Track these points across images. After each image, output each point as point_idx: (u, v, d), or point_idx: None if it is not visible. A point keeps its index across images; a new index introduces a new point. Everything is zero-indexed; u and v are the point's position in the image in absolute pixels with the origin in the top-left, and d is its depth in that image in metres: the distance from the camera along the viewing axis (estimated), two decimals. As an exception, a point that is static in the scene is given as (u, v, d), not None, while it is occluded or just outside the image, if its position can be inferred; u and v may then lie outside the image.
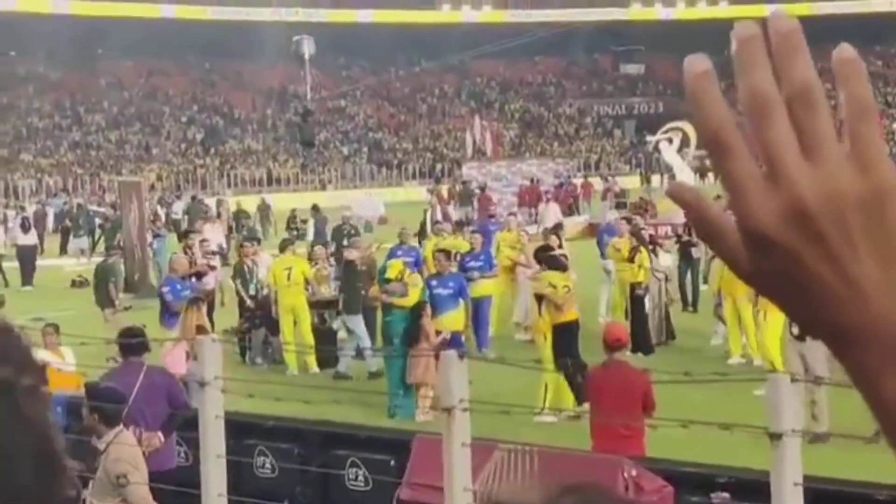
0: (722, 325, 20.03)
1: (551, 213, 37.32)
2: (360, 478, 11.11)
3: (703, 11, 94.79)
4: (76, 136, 79.29)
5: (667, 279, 22.06)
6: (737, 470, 9.42)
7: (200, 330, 16.32)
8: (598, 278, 23.12)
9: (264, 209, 49.30)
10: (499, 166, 54.38)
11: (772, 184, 0.89)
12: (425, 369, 15.82)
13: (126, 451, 9.03)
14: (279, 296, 20.41)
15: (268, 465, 11.66)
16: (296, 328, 20.46)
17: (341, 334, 21.44)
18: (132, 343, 11.11)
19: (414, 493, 10.09)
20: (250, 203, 49.76)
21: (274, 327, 20.69)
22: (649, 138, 57.77)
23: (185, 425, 10.80)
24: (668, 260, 23.15)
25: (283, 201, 50.94)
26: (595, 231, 31.15)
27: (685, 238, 24.35)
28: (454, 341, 17.02)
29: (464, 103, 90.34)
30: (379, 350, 18.97)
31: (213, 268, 23.60)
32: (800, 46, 0.91)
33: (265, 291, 21.26)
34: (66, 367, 14.15)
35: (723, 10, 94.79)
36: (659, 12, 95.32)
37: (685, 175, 47.30)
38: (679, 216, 29.66)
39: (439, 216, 35.25)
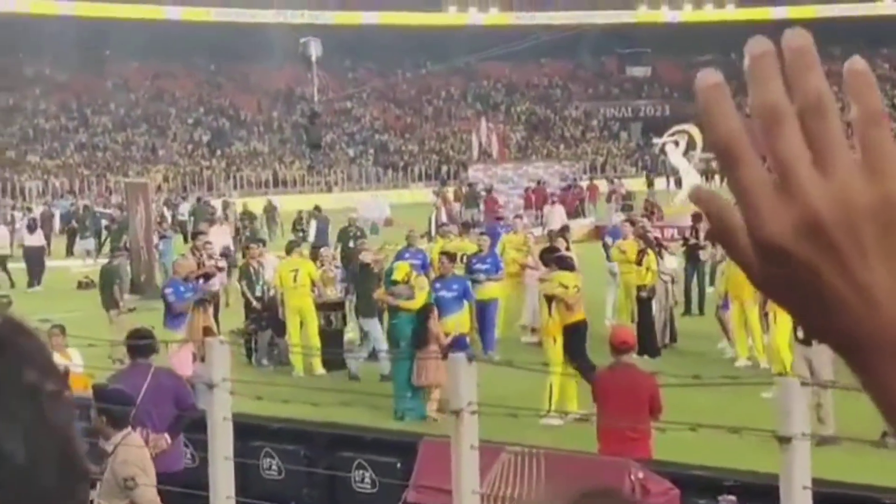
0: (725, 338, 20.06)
1: (556, 215, 37.32)
2: (367, 480, 11.11)
3: (709, 14, 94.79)
4: (83, 138, 79.37)
5: (673, 282, 22.05)
6: (743, 473, 9.42)
7: (207, 331, 16.33)
8: (603, 281, 23.10)
9: (270, 211, 49.33)
10: (505, 168, 54.36)
11: (783, 194, 0.90)
12: (434, 371, 15.81)
13: (134, 453, 9.03)
14: (286, 297, 20.41)
15: (274, 467, 11.68)
16: (302, 330, 20.48)
17: (349, 336, 21.46)
18: (140, 345, 11.12)
19: (421, 496, 10.09)
20: (256, 205, 49.79)
21: (280, 329, 20.70)
22: (655, 141, 57.69)
23: (191, 427, 10.81)
24: (673, 262, 23.14)
25: (289, 203, 50.95)
26: (601, 233, 31.14)
27: (692, 241, 24.35)
28: (459, 343, 17.05)
29: (470, 105, 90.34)
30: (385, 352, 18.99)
31: (220, 269, 23.62)
32: (813, 62, 0.92)
33: (271, 293, 21.28)
34: (74, 368, 14.16)
35: (729, 13, 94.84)
36: (665, 15, 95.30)
37: (691, 177, 47.19)
38: (685, 219, 29.69)
39: (444, 218, 35.24)
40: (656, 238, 24.30)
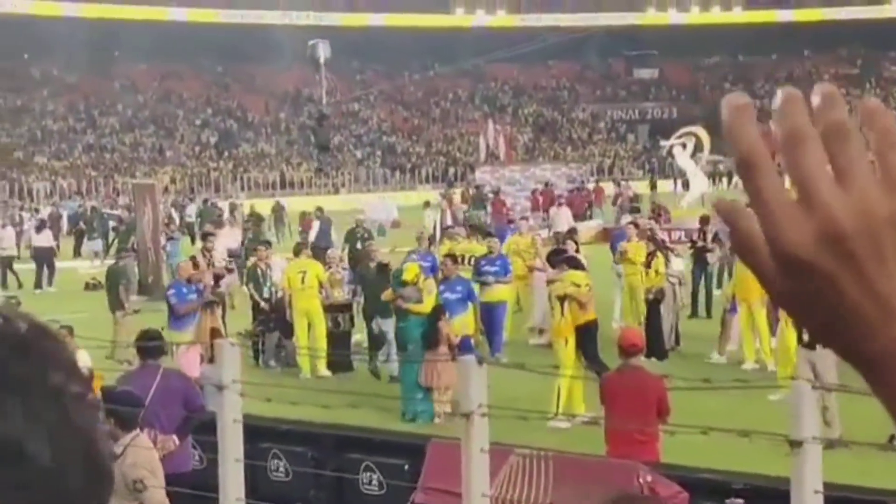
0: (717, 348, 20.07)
1: (563, 217, 37.30)
2: (375, 482, 11.11)
3: (716, 16, 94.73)
4: (90, 139, 79.48)
5: (680, 284, 22.04)
6: (752, 476, 9.41)
7: (215, 333, 16.38)
8: (611, 283, 23.10)
9: (279, 212, 49.34)
10: (512, 170, 54.39)
11: (804, 206, 0.92)
12: (445, 373, 15.80)
13: (142, 454, 9.04)
14: (293, 299, 20.42)
15: (282, 469, 11.68)
16: (310, 332, 20.48)
17: (356, 338, 21.47)
18: (150, 346, 11.13)
19: (428, 498, 10.09)
20: (263, 206, 49.77)
21: (287, 330, 20.71)
22: (663, 143, 57.72)
23: (199, 428, 10.82)
24: (680, 265, 23.14)
25: (296, 205, 50.93)
26: (608, 236, 31.15)
27: (699, 243, 24.33)
28: (463, 345, 17.08)
29: (477, 107, 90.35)
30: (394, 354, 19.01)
31: (230, 271, 23.66)
32: (839, 101, 0.94)
33: (279, 295, 21.30)
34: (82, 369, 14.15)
35: (736, 16, 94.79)
36: (672, 17, 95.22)
37: (699, 180, 47.21)
38: (692, 221, 29.69)
39: (449, 220, 35.23)
40: (662, 240, 24.30)
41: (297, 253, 21.80)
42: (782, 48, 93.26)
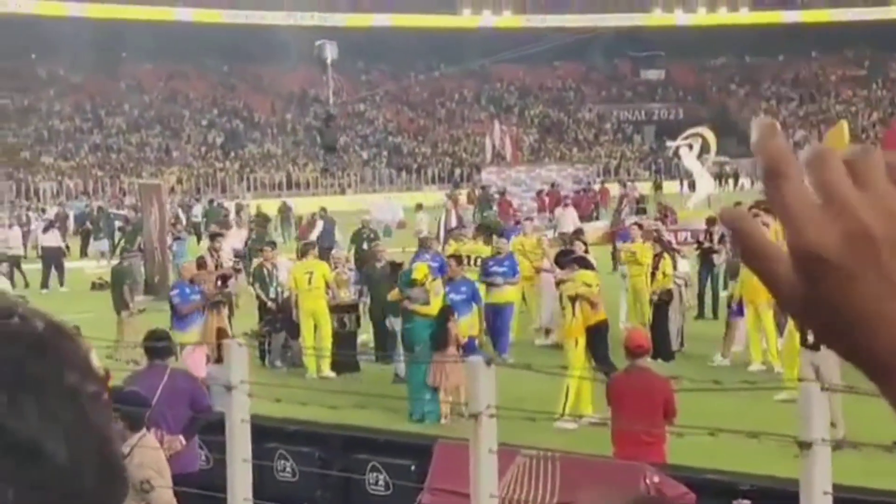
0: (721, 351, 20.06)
1: (568, 218, 37.28)
2: (381, 482, 11.11)
3: (723, 17, 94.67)
4: (97, 139, 79.57)
5: (686, 285, 22.02)
6: (759, 478, 9.40)
7: (221, 333, 16.39)
8: (618, 284, 23.10)
9: (285, 212, 49.37)
10: (518, 171, 54.37)
11: (829, 209, 0.94)
12: (454, 373, 15.79)
13: (150, 455, 9.05)
14: (300, 300, 20.43)
15: (288, 469, 11.68)
16: (316, 333, 20.49)
17: (362, 338, 21.48)
18: (157, 346, 11.14)
19: (435, 499, 10.09)
20: (269, 207, 49.82)
21: (294, 331, 20.72)
22: (669, 144, 57.69)
23: (206, 428, 10.83)
24: (685, 266, 23.14)
25: (302, 205, 50.98)
26: (615, 236, 31.16)
27: (706, 244, 24.31)
28: (468, 346, 17.11)
29: (483, 108, 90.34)
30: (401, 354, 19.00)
31: (237, 271, 23.67)
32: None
33: (285, 295, 21.33)
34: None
35: (743, 17, 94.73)
36: (679, 18, 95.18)
37: (705, 181, 47.19)
38: (699, 222, 29.66)
39: (454, 221, 35.19)
40: (668, 242, 24.29)
41: (304, 253, 21.78)
42: (789, 49, 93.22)
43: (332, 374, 19.59)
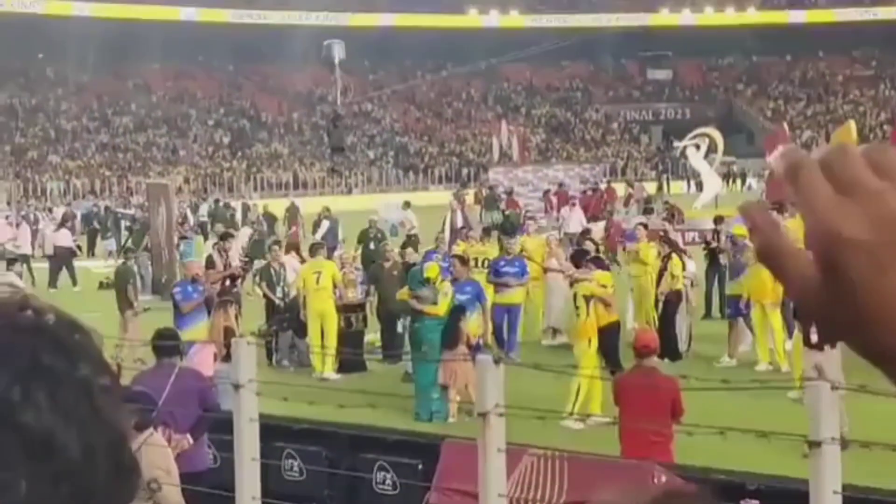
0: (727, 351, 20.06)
1: (575, 218, 37.27)
2: (388, 482, 11.11)
3: (730, 17, 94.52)
4: (104, 139, 79.65)
5: (692, 285, 22.00)
6: (766, 477, 9.39)
7: (228, 332, 16.39)
8: (625, 284, 23.07)
9: (293, 212, 49.38)
10: (525, 171, 54.40)
11: (857, 196, 0.94)
12: (465, 372, 15.78)
13: (157, 454, 9.04)
14: (308, 300, 20.43)
15: (295, 468, 11.68)
16: (322, 332, 20.49)
17: (369, 338, 21.48)
18: (166, 345, 11.15)
19: (443, 498, 10.09)
20: (276, 206, 49.80)
21: (301, 330, 20.73)
22: (676, 144, 57.62)
23: (213, 427, 10.83)
24: (691, 266, 23.12)
25: (309, 205, 50.98)
26: (622, 236, 31.11)
27: (713, 244, 24.28)
28: (475, 346, 17.11)
29: (490, 108, 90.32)
30: (408, 353, 18.99)
31: (246, 270, 23.70)
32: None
33: (291, 294, 21.36)
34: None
35: (751, 16, 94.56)
36: (686, 18, 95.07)
37: (712, 181, 47.13)
38: (706, 222, 29.64)
39: (460, 221, 35.19)
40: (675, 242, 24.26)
41: (312, 253, 21.78)
42: (796, 49, 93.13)
43: (336, 376, 19.50)
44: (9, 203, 61.55)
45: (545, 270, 22.84)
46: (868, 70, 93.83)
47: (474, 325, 17.94)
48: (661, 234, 23.30)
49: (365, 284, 22.20)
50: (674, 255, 21.11)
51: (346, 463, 11.45)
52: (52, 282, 34.36)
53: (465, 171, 76.64)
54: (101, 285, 32.13)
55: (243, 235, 32.29)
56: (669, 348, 19.71)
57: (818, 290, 0.95)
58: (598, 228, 36.03)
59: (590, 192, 48.27)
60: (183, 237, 33.11)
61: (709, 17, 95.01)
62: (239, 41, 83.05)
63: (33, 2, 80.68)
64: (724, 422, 8.12)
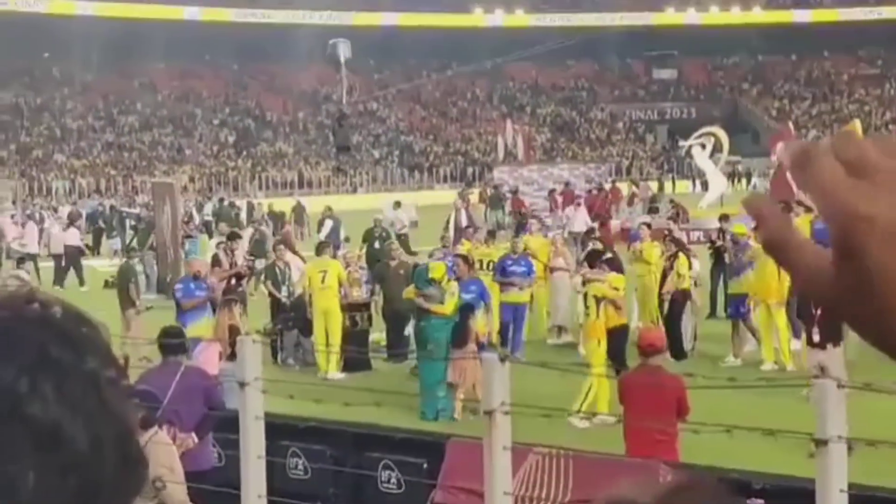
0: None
1: (580, 217, 37.26)
2: (393, 480, 11.12)
3: (735, 16, 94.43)
4: (109, 138, 79.70)
5: (695, 285, 21.98)
6: (772, 476, 9.39)
7: (233, 330, 16.41)
8: (629, 284, 23.04)
9: (299, 211, 49.41)
10: (530, 170, 54.36)
11: (864, 177, 0.92)
12: (475, 370, 15.78)
13: (162, 452, 9.04)
14: (313, 298, 20.45)
15: (300, 467, 11.68)
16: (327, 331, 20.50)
17: (374, 337, 21.49)
18: (172, 343, 11.15)
19: (448, 496, 10.09)
20: (282, 206, 49.84)
21: (306, 329, 20.74)
22: (682, 143, 57.61)
23: (219, 426, 10.83)
24: (696, 265, 23.11)
25: (314, 204, 51.04)
26: (627, 236, 31.11)
27: (718, 243, 24.25)
28: (479, 345, 17.13)
29: (495, 107, 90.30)
30: (413, 352, 18.99)
31: (251, 269, 23.72)
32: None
33: (296, 292, 21.37)
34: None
35: (756, 16, 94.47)
36: (692, 17, 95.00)
37: (717, 180, 47.10)
38: (711, 222, 29.61)
39: (464, 221, 35.23)
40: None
41: (319, 252, 21.80)
42: (802, 48, 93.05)
43: (340, 376, 19.52)
44: (14, 202, 61.60)
45: (551, 270, 22.84)
46: (873, 69, 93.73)
47: (480, 324, 17.96)
48: (666, 232, 23.28)
49: (370, 283, 22.21)
50: (681, 255, 21.08)
51: (352, 461, 11.45)
52: (58, 280, 34.42)
53: (470, 170, 76.60)
54: (107, 284, 32.14)
55: (245, 235, 32.29)
56: (675, 348, 19.72)
57: (831, 280, 0.93)
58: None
59: (595, 192, 48.23)
60: (188, 236, 33.11)
61: (714, 16, 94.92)
62: (243, 40, 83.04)
63: (37, 1, 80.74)
64: (730, 421, 8.11)
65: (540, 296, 22.93)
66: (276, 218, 44.47)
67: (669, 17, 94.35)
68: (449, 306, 17.56)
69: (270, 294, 22.01)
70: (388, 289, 21.14)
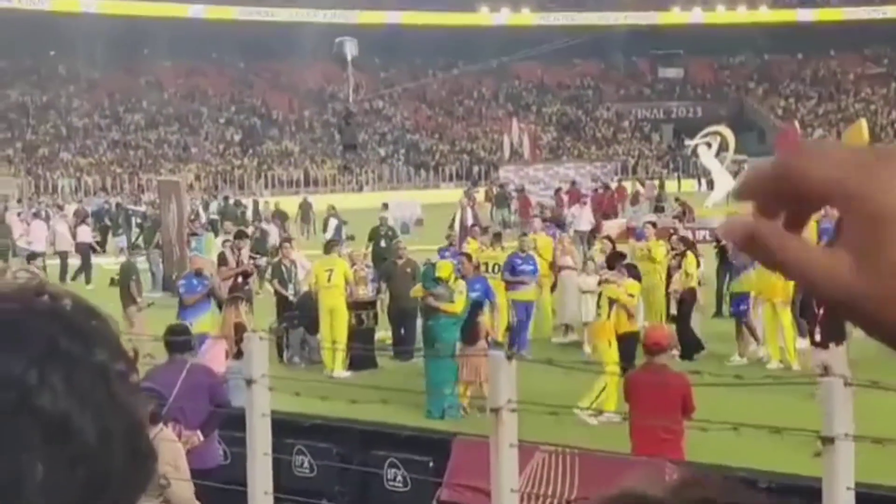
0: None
1: (585, 217, 37.25)
2: (399, 478, 11.12)
3: (742, 15, 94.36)
4: (115, 136, 79.76)
5: (699, 284, 21.96)
6: (778, 475, 9.38)
7: (239, 328, 16.41)
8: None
9: (306, 209, 49.42)
10: (536, 169, 54.38)
11: (831, 198, 0.89)
12: (483, 368, 15.78)
13: (166, 449, 9.04)
14: (320, 296, 20.46)
15: (306, 465, 11.69)
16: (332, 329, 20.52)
17: (380, 335, 21.50)
18: (177, 340, 11.15)
19: (454, 494, 10.09)
20: (287, 204, 49.84)
21: (312, 327, 20.75)
22: (687, 142, 57.55)
23: (225, 424, 10.83)
24: (701, 265, 23.10)
25: (320, 203, 51.09)
26: (632, 234, 31.10)
27: (724, 242, 24.23)
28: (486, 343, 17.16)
29: (501, 106, 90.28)
30: (419, 350, 18.98)
31: (257, 267, 23.73)
32: None
33: (302, 290, 21.39)
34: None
35: (762, 14, 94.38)
36: (698, 16, 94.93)
37: (723, 179, 47.02)
38: (717, 221, 29.59)
39: (470, 219, 35.24)
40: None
41: (327, 251, 21.79)
42: (808, 47, 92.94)
43: (346, 374, 19.51)
44: (20, 200, 61.67)
45: (559, 269, 22.84)
46: (879, 68, 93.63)
47: (486, 322, 17.98)
48: (671, 231, 23.27)
49: (376, 282, 22.22)
50: (689, 253, 21.07)
51: (358, 459, 11.46)
52: (65, 276, 34.52)
53: (475, 168, 76.59)
54: (112, 282, 32.15)
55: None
56: (690, 345, 19.76)
57: (851, 283, 0.88)
58: (608, 226, 36.08)
59: (601, 191, 48.24)
60: (193, 234, 33.12)
61: (720, 15, 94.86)
62: (249, 38, 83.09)
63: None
64: (736, 419, 8.10)
65: (544, 294, 22.94)
66: (281, 216, 44.48)
67: (675, 15, 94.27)
68: (458, 304, 17.57)
69: (276, 292, 22.03)
70: (394, 287, 21.14)
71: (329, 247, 22.11)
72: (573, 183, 49.35)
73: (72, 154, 76.31)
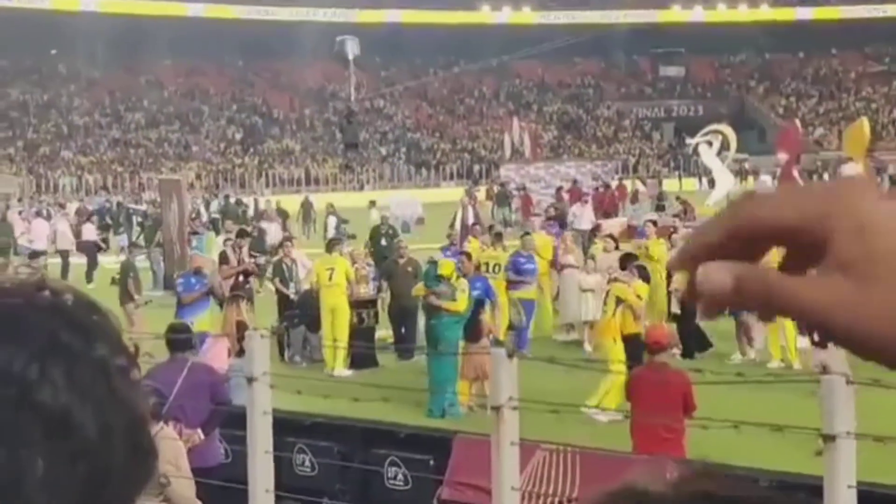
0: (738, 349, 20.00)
1: (586, 215, 37.22)
2: (400, 477, 11.12)
3: (743, 14, 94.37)
4: (116, 135, 79.78)
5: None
6: (778, 474, 9.38)
7: (241, 326, 16.42)
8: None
9: (307, 208, 49.41)
10: (537, 168, 54.32)
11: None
12: (486, 365, 15.77)
13: (167, 447, 9.03)
14: (320, 295, 20.46)
15: (307, 463, 11.69)
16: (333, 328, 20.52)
17: (380, 334, 21.50)
18: (179, 339, 11.15)
19: (455, 493, 10.09)
20: (288, 203, 49.84)
21: (313, 325, 20.74)
22: (689, 141, 57.58)
23: (226, 422, 10.83)
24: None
25: (321, 201, 51.11)
26: (633, 233, 31.08)
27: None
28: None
29: (502, 104, 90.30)
30: (420, 348, 18.98)
31: (259, 266, 23.73)
32: None
33: (303, 289, 21.39)
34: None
35: (763, 13, 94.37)
36: (699, 14, 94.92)
37: (724, 178, 47.04)
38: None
39: (471, 218, 35.21)
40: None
41: (329, 249, 21.78)
42: (809, 46, 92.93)
43: (347, 373, 19.50)
44: (21, 199, 61.68)
45: (562, 267, 22.83)
46: (881, 66, 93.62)
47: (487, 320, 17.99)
48: (672, 229, 23.28)
49: (377, 280, 22.21)
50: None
51: (359, 457, 11.46)
52: (63, 275, 34.48)
53: (476, 167, 76.59)
54: (113, 281, 32.17)
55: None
56: (700, 343, 19.78)
57: (853, 293, 0.86)
58: (608, 225, 36.04)
59: (602, 189, 48.21)
60: (194, 233, 33.12)
61: (721, 13, 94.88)
62: (249, 37, 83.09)
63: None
64: (737, 417, 8.09)
65: (545, 292, 22.94)
66: (282, 215, 44.48)
67: (676, 14, 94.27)
68: (461, 303, 17.56)
69: (277, 291, 22.04)
70: (395, 286, 21.12)
71: (331, 245, 22.09)
72: (574, 182, 49.30)
73: (73, 153, 76.32)
